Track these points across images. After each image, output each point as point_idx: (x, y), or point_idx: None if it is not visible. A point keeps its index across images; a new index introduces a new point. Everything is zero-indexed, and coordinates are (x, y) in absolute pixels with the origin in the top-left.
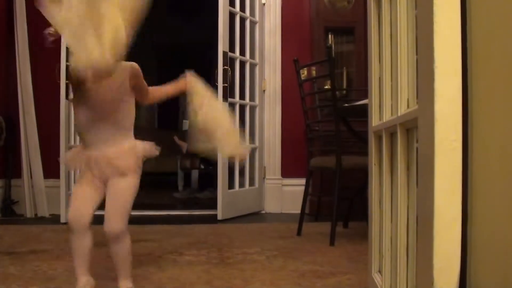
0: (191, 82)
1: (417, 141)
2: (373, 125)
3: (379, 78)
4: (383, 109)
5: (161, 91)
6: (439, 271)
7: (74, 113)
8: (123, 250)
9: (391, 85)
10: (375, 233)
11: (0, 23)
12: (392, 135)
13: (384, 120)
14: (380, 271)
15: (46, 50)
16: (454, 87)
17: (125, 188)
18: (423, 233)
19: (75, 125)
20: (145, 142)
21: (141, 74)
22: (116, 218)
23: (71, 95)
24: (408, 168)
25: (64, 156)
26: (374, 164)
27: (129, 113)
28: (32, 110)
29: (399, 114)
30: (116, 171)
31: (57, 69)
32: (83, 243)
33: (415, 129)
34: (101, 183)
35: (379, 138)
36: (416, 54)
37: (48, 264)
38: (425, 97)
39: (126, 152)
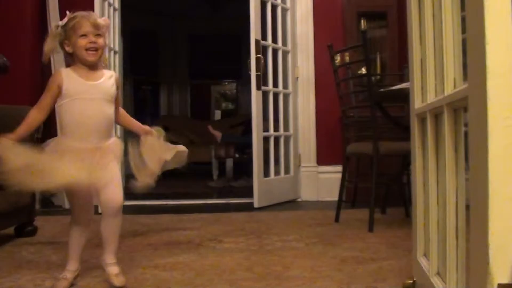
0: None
1: (465, 125)
2: (416, 107)
3: (421, 59)
4: (427, 91)
5: (129, 119)
6: (495, 250)
7: (66, 108)
8: (118, 224)
9: (435, 65)
10: (420, 216)
11: (34, 16)
12: (436, 117)
13: (428, 102)
14: (425, 255)
15: None
16: (506, 63)
17: (116, 170)
18: (476, 214)
19: (64, 119)
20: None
21: (120, 86)
22: (117, 192)
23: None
24: (455, 149)
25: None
26: (418, 147)
27: (113, 114)
28: None
29: (445, 94)
30: (112, 156)
31: None
32: (84, 235)
33: (463, 109)
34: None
35: (422, 121)
36: (462, 32)
37: (89, 252)
38: (476, 75)
39: (111, 148)
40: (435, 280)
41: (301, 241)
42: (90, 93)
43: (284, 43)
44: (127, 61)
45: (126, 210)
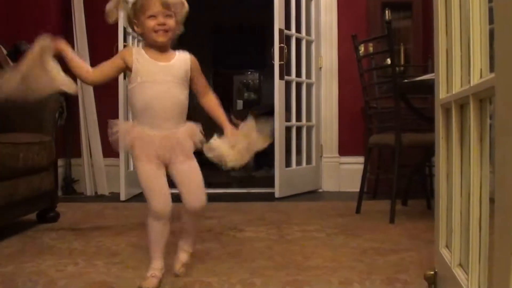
0: (234, 137)
1: (490, 117)
2: (441, 97)
3: (446, 50)
4: (452, 81)
5: (215, 107)
6: None
7: (137, 91)
8: (198, 222)
9: (461, 56)
10: (442, 207)
11: (57, 3)
12: (462, 107)
13: (454, 92)
14: (447, 246)
15: (103, 30)
16: None
17: (195, 167)
18: (501, 206)
19: (135, 103)
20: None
21: (199, 68)
22: (200, 194)
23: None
24: (480, 140)
25: (117, 134)
26: (442, 138)
27: (186, 99)
28: (90, 90)
29: (471, 85)
30: (182, 151)
31: (115, 49)
32: (166, 230)
33: (489, 99)
34: (162, 164)
35: (446, 111)
36: (489, 22)
37: (111, 239)
38: (503, 65)
39: (188, 134)
40: (457, 272)
41: (322, 231)
42: (161, 75)
43: (308, 32)
44: None
45: None
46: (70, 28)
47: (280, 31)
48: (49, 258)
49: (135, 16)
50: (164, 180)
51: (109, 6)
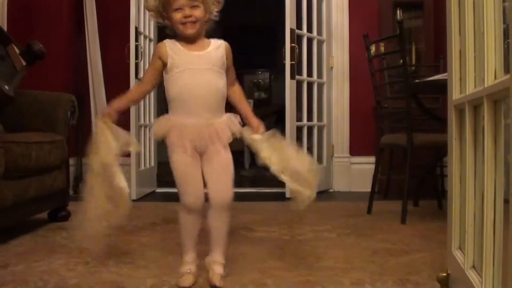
0: (259, 130)
1: (504, 117)
2: (454, 98)
3: (460, 50)
4: (466, 82)
5: (241, 99)
6: None
7: (173, 81)
8: (226, 221)
9: (475, 56)
10: (455, 209)
11: (70, 3)
12: (475, 108)
13: (467, 93)
14: (460, 248)
15: (115, 30)
16: None
17: (229, 158)
18: None
19: (171, 93)
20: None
21: (231, 57)
22: (229, 186)
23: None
24: (495, 141)
25: (154, 125)
26: (455, 139)
27: (224, 87)
28: (102, 89)
29: (485, 86)
30: (220, 140)
31: (127, 49)
32: (198, 222)
33: (504, 101)
34: (198, 154)
35: (460, 112)
36: (504, 22)
37: (122, 239)
38: None
39: (227, 124)
40: (470, 274)
41: (333, 231)
42: (196, 63)
43: (319, 32)
44: None
45: (159, 197)
46: (82, 28)
47: (292, 31)
48: (60, 257)
49: (164, 9)
50: (198, 172)
51: (147, 5)
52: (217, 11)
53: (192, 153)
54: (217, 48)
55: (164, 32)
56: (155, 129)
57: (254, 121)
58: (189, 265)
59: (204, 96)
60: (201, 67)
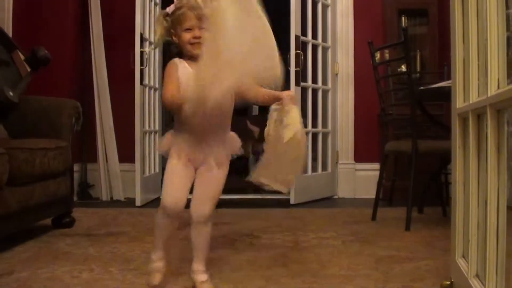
0: (292, 98)
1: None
2: (458, 107)
3: (463, 59)
4: (470, 91)
5: (259, 89)
6: None
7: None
8: (205, 233)
9: (478, 65)
10: (459, 217)
11: (75, 10)
12: (479, 117)
13: (471, 102)
14: (464, 256)
15: (120, 38)
16: None
17: (219, 178)
18: None
19: (180, 111)
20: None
21: None
22: (208, 203)
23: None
24: (498, 150)
25: (159, 141)
26: (459, 147)
27: (229, 104)
28: (107, 95)
29: (489, 95)
30: (216, 159)
31: (132, 55)
32: (172, 226)
33: (507, 110)
34: (193, 168)
35: (464, 120)
36: (507, 30)
37: (126, 246)
38: None
39: (227, 143)
40: (474, 282)
41: (338, 238)
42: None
43: (324, 39)
44: (166, 55)
45: None
46: (87, 34)
47: (296, 37)
48: (64, 264)
49: (173, 27)
50: (185, 178)
51: (156, 26)
52: None
53: (185, 162)
54: None
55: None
56: (160, 145)
57: (283, 93)
58: (156, 262)
59: (209, 116)
60: None
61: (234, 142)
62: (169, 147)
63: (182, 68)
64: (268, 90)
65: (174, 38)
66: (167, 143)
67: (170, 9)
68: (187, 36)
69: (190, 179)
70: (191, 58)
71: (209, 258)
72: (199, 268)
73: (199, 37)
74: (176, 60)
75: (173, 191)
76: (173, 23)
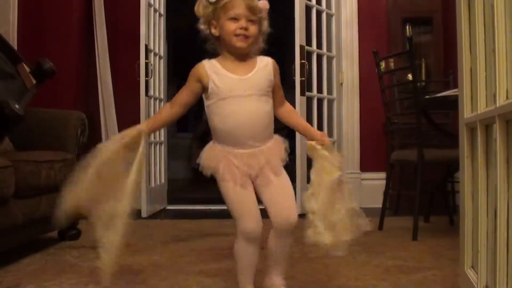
0: (327, 143)
1: None
2: (465, 116)
3: (470, 68)
4: (478, 101)
5: (295, 117)
6: None
7: (216, 109)
8: (288, 244)
9: (486, 75)
10: (468, 227)
11: (80, 22)
12: (487, 127)
13: (479, 112)
14: (473, 267)
15: (125, 48)
16: None
17: (284, 182)
18: None
19: (214, 122)
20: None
21: (279, 76)
22: (291, 207)
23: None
24: (507, 161)
25: (201, 157)
26: (467, 157)
27: (271, 111)
28: (112, 107)
29: (497, 105)
30: (271, 169)
31: (137, 66)
32: (257, 254)
33: None
34: (249, 180)
35: (471, 130)
36: None
37: (132, 258)
38: None
39: (276, 149)
40: None
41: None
42: (241, 89)
43: (329, 48)
44: (171, 65)
45: (169, 215)
46: (92, 46)
47: (301, 47)
48: (70, 277)
49: (215, 16)
50: (252, 198)
51: (197, 10)
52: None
53: (242, 181)
54: (264, 67)
55: (171, 48)
56: (205, 163)
57: (316, 132)
58: None
59: (250, 125)
60: (245, 93)
61: (281, 145)
62: (217, 165)
63: (215, 71)
64: (304, 122)
65: (214, 30)
66: (213, 161)
67: None
68: (232, 26)
69: (253, 192)
70: (233, 55)
71: (216, 269)
72: (280, 282)
73: (246, 29)
74: (205, 62)
75: (252, 214)
76: (217, 11)
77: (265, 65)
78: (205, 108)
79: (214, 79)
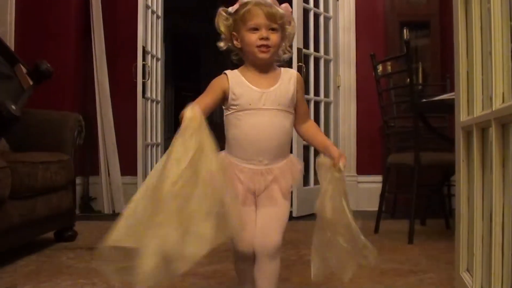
0: (343, 160)
1: None
2: (462, 120)
3: (467, 72)
4: (474, 104)
5: (317, 134)
6: None
7: (234, 120)
8: (275, 269)
9: (482, 79)
10: (463, 230)
11: (77, 24)
12: (483, 131)
13: (475, 115)
14: (469, 270)
15: (122, 50)
16: None
17: (285, 209)
18: None
19: (230, 133)
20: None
21: (303, 89)
22: (275, 230)
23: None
24: (503, 164)
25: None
26: (463, 161)
27: (291, 128)
28: (109, 109)
29: (493, 109)
30: (279, 189)
31: (134, 68)
32: (252, 270)
33: None
34: (254, 200)
35: (467, 134)
36: None
37: None
38: None
39: (287, 169)
40: None
41: None
42: (262, 103)
43: (326, 51)
44: (168, 67)
45: None
46: (89, 48)
47: (299, 50)
48: (66, 278)
49: (235, 27)
50: (250, 217)
51: (218, 24)
52: (289, 45)
53: (244, 200)
54: (288, 80)
55: (169, 50)
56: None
57: (335, 150)
58: None
59: (267, 140)
60: (266, 107)
61: (296, 165)
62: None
63: (238, 83)
64: (326, 139)
65: (236, 42)
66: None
67: (233, 8)
68: (252, 37)
69: (254, 212)
70: (255, 66)
71: (211, 271)
72: None
73: (268, 39)
74: (228, 73)
75: (246, 237)
76: (236, 23)
77: (289, 78)
78: (224, 118)
79: (235, 90)
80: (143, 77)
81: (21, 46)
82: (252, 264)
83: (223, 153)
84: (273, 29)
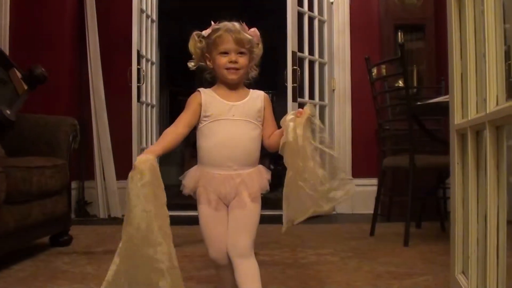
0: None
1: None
2: (456, 123)
3: (461, 74)
4: (468, 107)
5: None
6: None
7: (205, 131)
8: (253, 268)
9: (476, 81)
10: (458, 233)
11: (72, 28)
12: (477, 133)
13: (469, 118)
14: (464, 272)
15: (117, 54)
16: None
17: (254, 212)
18: None
19: (202, 143)
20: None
21: (271, 108)
22: (244, 233)
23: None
24: (497, 166)
25: (184, 176)
26: (457, 163)
27: (258, 139)
28: (104, 113)
29: (487, 112)
30: (247, 191)
31: (129, 72)
32: (228, 276)
33: (506, 127)
34: (226, 207)
35: (462, 137)
36: (505, 44)
37: None
38: None
39: (257, 175)
40: None
41: (336, 255)
42: (232, 113)
43: (321, 55)
44: (163, 71)
45: None
46: (84, 52)
47: (293, 53)
48: (62, 283)
49: (208, 49)
50: (222, 226)
51: (190, 46)
52: (256, 66)
53: (216, 205)
54: (256, 97)
55: (164, 55)
56: (186, 182)
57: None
58: None
59: (236, 146)
60: (235, 117)
61: (264, 175)
62: (195, 186)
63: (209, 98)
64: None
65: (208, 63)
66: (192, 181)
67: (206, 32)
68: (222, 60)
69: (225, 222)
70: (226, 84)
71: (208, 276)
72: None
73: (236, 62)
74: (202, 90)
75: (216, 243)
76: (208, 46)
77: (256, 96)
78: (196, 132)
79: (208, 105)
80: (138, 81)
81: (15, 51)
82: (226, 270)
83: (194, 167)
84: (241, 53)
